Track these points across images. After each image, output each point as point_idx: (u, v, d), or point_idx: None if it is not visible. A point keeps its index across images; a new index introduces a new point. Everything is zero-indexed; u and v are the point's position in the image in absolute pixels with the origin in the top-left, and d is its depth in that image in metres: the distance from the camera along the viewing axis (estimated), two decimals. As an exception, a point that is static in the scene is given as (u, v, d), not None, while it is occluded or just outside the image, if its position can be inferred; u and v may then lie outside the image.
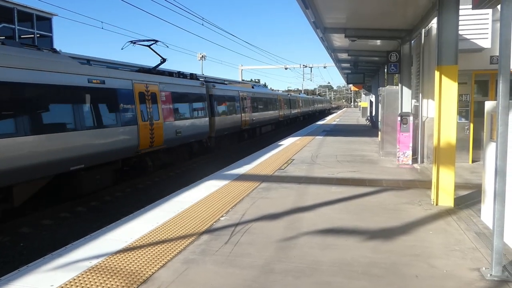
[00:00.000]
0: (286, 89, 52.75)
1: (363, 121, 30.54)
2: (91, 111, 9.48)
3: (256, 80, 74.00)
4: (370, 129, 23.55)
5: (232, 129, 19.02)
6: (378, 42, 14.77)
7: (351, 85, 40.96)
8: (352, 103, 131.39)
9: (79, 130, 8.95)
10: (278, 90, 31.20)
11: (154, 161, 12.67)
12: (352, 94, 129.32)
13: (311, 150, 13.68)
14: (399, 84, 11.80)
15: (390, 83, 16.43)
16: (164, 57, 18.53)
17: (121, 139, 10.64)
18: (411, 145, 10.54)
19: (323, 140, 17.40)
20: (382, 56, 17.00)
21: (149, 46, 13.94)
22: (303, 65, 46.52)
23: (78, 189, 9.29)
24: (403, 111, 11.35)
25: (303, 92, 75.78)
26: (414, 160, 10.73)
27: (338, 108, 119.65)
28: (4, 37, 16.42)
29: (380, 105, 12.28)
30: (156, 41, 13.85)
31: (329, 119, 37.12)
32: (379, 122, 12.49)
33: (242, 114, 20.81)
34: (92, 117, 9.45)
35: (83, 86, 9.25)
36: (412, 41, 12.14)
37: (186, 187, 8.10)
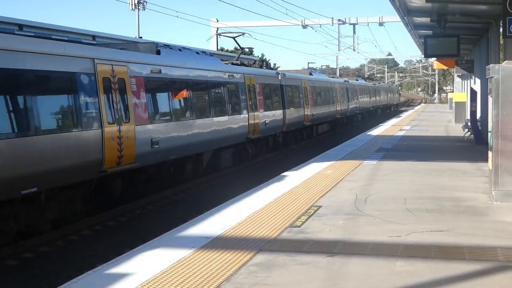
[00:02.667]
0: (307, 68, 53.18)
1: (458, 129, 30.77)
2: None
3: (248, 51, 75.11)
4: (472, 145, 23.78)
5: (298, 125, 31.32)
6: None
7: (433, 59, 41.48)
8: (436, 94, 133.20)
9: None
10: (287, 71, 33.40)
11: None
12: (436, 76, 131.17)
13: (354, 188, 13.85)
14: (528, 58, 11.89)
15: (510, 57, 16.55)
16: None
17: None
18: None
19: (378, 167, 17.64)
20: (494, 3, 17.20)
21: (234, 38, 27.05)
22: (339, 21, 47.19)
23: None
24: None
25: (338, 74, 77.17)
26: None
27: (408, 103, 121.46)
28: None
29: (490, 99, 12.33)
30: (243, 33, 25.86)
31: (392, 126, 37.64)
32: (489, 133, 12.52)
33: (305, 108, 32.51)
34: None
35: None
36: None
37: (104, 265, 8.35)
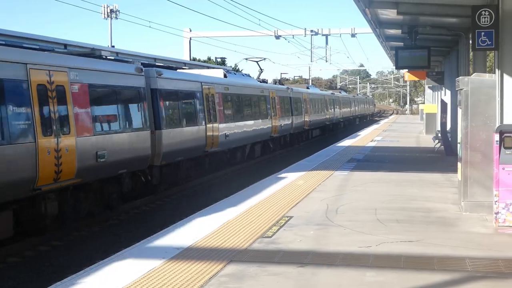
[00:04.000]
0: (279, 80, 53.52)
1: (429, 140, 31.07)
2: None
3: (221, 61, 75.32)
4: (442, 156, 24.02)
5: (300, 128, 39.74)
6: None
7: (404, 71, 41.83)
8: (407, 105, 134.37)
9: None
10: (264, 81, 35.92)
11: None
12: (408, 88, 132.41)
13: (325, 198, 13.90)
14: (497, 71, 12.04)
15: (479, 69, 16.79)
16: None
17: None
18: (520, 189, 10.71)
19: (349, 177, 17.73)
20: (464, 16, 17.46)
21: (257, 62, 36.88)
22: (312, 31, 47.43)
23: None
24: (505, 123, 11.55)
25: (311, 83, 78.16)
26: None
27: (380, 114, 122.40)
28: None
29: (460, 111, 12.48)
30: (264, 58, 36.99)
31: (364, 136, 37.96)
32: (458, 145, 12.67)
33: (305, 115, 41.04)
34: None
35: None
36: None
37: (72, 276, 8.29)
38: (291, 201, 13.58)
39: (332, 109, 53.36)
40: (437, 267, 8.31)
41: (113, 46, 32.50)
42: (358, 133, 42.74)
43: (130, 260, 8.74)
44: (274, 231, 10.52)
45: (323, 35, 47.94)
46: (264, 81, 35.45)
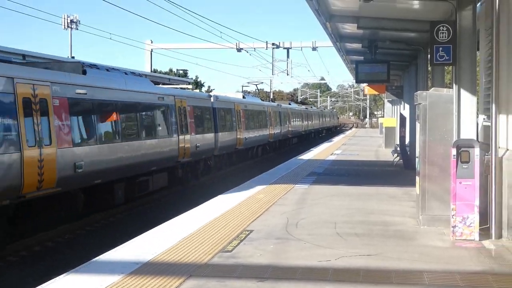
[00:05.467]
0: (241, 91, 53.63)
1: (388, 154, 31.41)
2: None
3: (182, 73, 75.20)
4: (401, 170, 24.31)
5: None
6: (416, 3, 15.42)
7: (364, 84, 42.25)
8: (367, 119, 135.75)
9: None
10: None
11: None
12: (368, 101, 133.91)
13: (285, 212, 13.92)
14: (454, 86, 12.27)
15: (437, 84, 17.09)
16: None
17: None
18: (477, 203, 10.89)
19: (309, 191, 17.80)
20: (423, 31, 17.75)
21: (256, 85, 54.59)
22: (273, 45, 47.70)
23: None
24: (462, 137, 11.75)
25: (272, 97, 78.30)
26: (483, 232, 11.05)
27: (340, 127, 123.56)
28: None
29: (418, 125, 12.65)
30: (262, 82, 64.54)
31: (323, 150, 38.22)
32: (417, 159, 12.82)
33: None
34: None
35: None
36: (479, 3, 12.74)
37: None
38: (251, 214, 13.58)
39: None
40: (395, 280, 8.39)
41: (73, 57, 32.16)
42: (319, 146, 42.97)
43: (86, 276, 8.63)
44: (234, 245, 10.49)
45: (284, 48, 48.16)
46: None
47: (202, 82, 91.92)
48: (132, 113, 20.01)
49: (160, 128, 22.10)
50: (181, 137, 23.74)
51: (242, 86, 58.97)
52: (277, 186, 18.79)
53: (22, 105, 13.81)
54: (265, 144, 42.95)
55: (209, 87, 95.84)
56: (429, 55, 13.97)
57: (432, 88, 13.58)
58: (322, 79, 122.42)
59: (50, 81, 15.19)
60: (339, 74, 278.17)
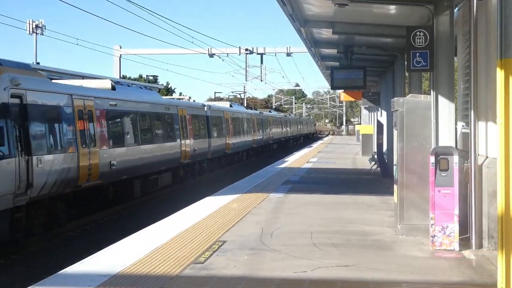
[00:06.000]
0: (213, 98, 53.71)
1: (365, 161, 31.55)
2: None
3: (152, 79, 74.95)
4: (379, 178, 24.43)
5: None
6: (392, 8, 15.50)
7: (340, 91, 42.42)
8: (343, 126, 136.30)
9: None
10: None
11: None
12: (344, 108, 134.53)
13: (260, 222, 13.90)
14: (432, 92, 12.33)
15: (414, 90, 17.17)
16: None
17: None
18: (457, 212, 10.92)
19: (284, 200, 17.80)
20: (399, 37, 17.83)
21: (239, 94, 77.82)
22: (246, 50, 47.77)
23: None
24: (441, 144, 11.80)
25: (245, 104, 79.12)
26: (464, 242, 11.08)
27: (316, 134, 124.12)
28: None
29: (395, 132, 12.69)
30: (245, 92, 79.85)
31: (300, 158, 38.31)
32: (394, 166, 12.86)
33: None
34: None
35: None
36: (456, 9, 12.83)
37: None
38: (225, 224, 13.52)
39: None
40: (373, 292, 8.37)
41: (38, 63, 31.87)
42: (293, 155, 43.07)
43: (53, 289, 8.50)
44: (207, 256, 10.42)
45: (258, 53, 48.25)
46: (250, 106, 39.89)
47: (173, 88, 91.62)
48: (147, 121, 25.10)
49: (168, 134, 27.41)
50: (182, 141, 28.93)
51: (215, 93, 58.85)
52: (252, 195, 18.75)
53: (77, 115, 18.74)
54: (249, 149, 47.90)
55: (180, 93, 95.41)
56: (406, 61, 14.02)
57: (410, 95, 13.64)
58: (297, 85, 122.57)
59: (94, 96, 20.16)
60: (314, 80, 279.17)
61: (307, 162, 33.66)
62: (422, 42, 12.54)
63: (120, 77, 45.33)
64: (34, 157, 15.83)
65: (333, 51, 23.93)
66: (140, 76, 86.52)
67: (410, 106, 12.28)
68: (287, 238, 12.04)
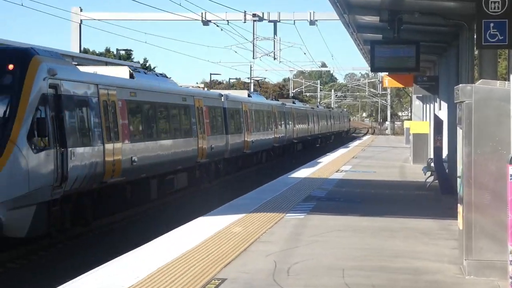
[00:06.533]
0: (209, 82, 53.70)
1: (418, 172, 31.45)
2: None
3: (125, 54, 75.14)
4: (436, 195, 24.41)
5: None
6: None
7: (383, 74, 42.08)
8: (387, 122, 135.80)
9: None
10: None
11: None
12: (388, 98, 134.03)
13: (272, 253, 13.92)
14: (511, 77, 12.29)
15: (487, 75, 17.14)
16: None
17: None
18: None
19: (305, 223, 17.81)
20: (466, 0, 17.82)
21: (257, 81, 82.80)
22: (254, 16, 47.72)
23: None
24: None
25: (253, 91, 79.43)
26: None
27: (351, 133, 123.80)
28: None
29: (460, 132, 12.67)
30: (264, 78, 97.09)
31: (328, 164, 38.28)
32: (458, 179, 12.82)
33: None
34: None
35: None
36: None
37: None
38: (224, 255, 13.53)
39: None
40: None
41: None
42: (320, 160, 43.06)
43: None
44: (200, 300, 10.50)
45: (270, 21, 48.34)
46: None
47: (152, 67, 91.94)
48: (165, 113, 29.46)
49: (185, 128, 31.70)
50: (200, 137, 32.91)
51: (211, 75, 58.89)
52: (260, 215, 18.78)
53: (103, 107, 22.51)
54: (269, 149, 52.22)
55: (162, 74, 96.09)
56: (475, 34, 13.98)
57: (480, 81, 13.56)
58: (324, 65, 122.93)
59: (116, 85, 23.99)
60: (347, 59, 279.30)
61: (337, 171, 33.66)
62: (499, 8, 12.53)
63: (80, 51, 45.47)
64: (69, 150, 19.77)
65: (374, 19, 23.90)
66: (108, 50, 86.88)
67: (481, 96, 12.21)
68: (310, 276, 12.04)
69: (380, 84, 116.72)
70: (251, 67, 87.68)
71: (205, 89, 44.77)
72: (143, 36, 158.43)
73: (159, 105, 28.68)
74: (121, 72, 26.25)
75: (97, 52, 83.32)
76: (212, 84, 71.64)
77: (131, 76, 26.44)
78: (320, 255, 13.76)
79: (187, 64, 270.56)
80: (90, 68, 25.28)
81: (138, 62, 77.86)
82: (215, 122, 37.02)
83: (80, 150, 20.58)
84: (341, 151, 54.50)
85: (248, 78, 70.26)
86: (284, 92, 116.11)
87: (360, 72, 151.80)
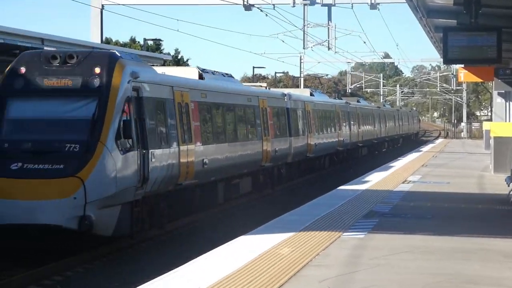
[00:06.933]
0: (251, 77, 53.90)
1: (500, 183, 31.18)
2: None
3: (153, 45, 75.76)
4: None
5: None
6: None
7: (458, 66, 41.72)
8: (463, 124, 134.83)
9: None
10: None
11: None
12: (464, 95, 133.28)
13: (327, 279, 13.87)
14: None
15: None
16: None
17: None
18: None
19: (366, 243, 17.88)
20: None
21: (318, 78, 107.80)
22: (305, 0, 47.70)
23: None
24: None
25: (303, 84, 79.49)
26: None
27: (420, 136, 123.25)
28: None
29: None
30: (327, 74, 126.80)
31: (394, 173, 38.45)
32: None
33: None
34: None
35: None
36: None
37: None
38: (270, 282, 13.52)
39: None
40: None
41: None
42: (385, 168, 42.99)
43: None
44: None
45: (323, 5, 48.41)
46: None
47: (185, 60, 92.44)
48: (232, 115, 33.52)
49: (251, 130, 35.70)
50: (264, 140, 36.83)
51: (253, 68, 59.06)
52: (313, 234, 18.79)
53: (178, 109, 26.30)
54: (333, 153, 55.90)
55: (197, 67, 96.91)
56: None
57: None
58: (387, 56, 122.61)
59: (189, 87, 28.00)
60: (415, 50, 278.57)
61: (404, 182, 33.58)
62: None
63: (101, 41, 45.81)
64: (150, 151, 23.19)
65: (447, 2, 23.86)
66: (133, 40, 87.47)
67: None
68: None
69: (454, 79, 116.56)
70: (301, 59, 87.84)
71: (267, 88, 47.49)
72: (175, 23, 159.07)
73: (227, 106, 32.85)
74: (190, 72, 30.43)
75: (121, 43, 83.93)
76: (255, 79, 71.94)
77: (200, 76, 30.55)
78: (384, 282, 13.71)
79: (226, 55, 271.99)
80: (158, 69, 28.43)
81: (169, 54, 78.43)
82: (279, 123, 41.11)
83: (159, 151, 24.15)
84: (409, 158, 54.42)
85: (285, 72, 70.85)
86: (340, 88, 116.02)
87: (430, 64, 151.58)
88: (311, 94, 52.61)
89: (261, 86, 46.30)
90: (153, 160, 23.36)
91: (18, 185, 21.35)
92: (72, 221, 20.99)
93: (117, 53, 23.45)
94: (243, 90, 37.53)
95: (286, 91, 46.64)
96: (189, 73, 30.07)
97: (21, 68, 22.62)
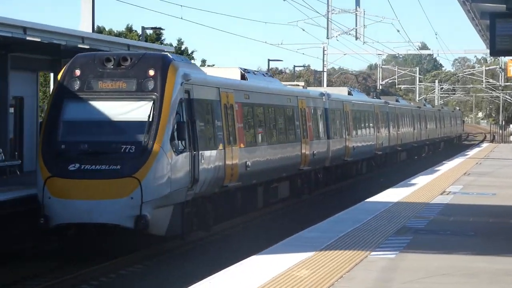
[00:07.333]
0: (267, 71, 54.27)
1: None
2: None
3: (153, 34, 76.13)
4: None
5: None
6: None
7: (507, 59, 41.80)
8: None
9: None
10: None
11: None
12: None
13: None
14: None
15: None
16: None
17: None
18: None
19: (398, 264, 17.91)
20: None
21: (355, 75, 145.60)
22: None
23: None
24: None
25: (325, 83, 79.78)
26: None
27: (462, 140, 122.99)
28: None
29: None
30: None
31: (429, 183, 38.51)
32: None
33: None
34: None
35: None
36: None
37: None
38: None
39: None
40: None
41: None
42: (421, 176, 43.01)
43: None
44: None
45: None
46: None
47: (190, 52, 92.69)
48: (273, 116, 37.79)
49: (290, 131, 40.12)
50: (303, 142, 41.34)
51: (269, 61, 59.32)
52: (335, 254, 18.82)
53: (223, 109, 30.43)
54: (370, 157, 58.31)
55: (203, 61, 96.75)
56: None
57: None
58: (424, 47, 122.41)
59: (233, 88, 32.33)
60: (457, 39, 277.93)
61: (443, 193, 33.60)
62: None
63: (93, 30, 46.03)
64: (199, 153, 27.01)
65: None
66: (130, 29, 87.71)
67: None
68: None
69: (503, 73, 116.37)
70: (324, 50, 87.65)
71: (305, 87, 51.86)
72: (178, 9, 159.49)
73: (269, 107, 37.41)
74: (233, 73, 34.69)
75: (115, 32, 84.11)
76: (271, 74, 72.39)
77: (243, 77, 35.11)
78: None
79: (236, 47, 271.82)
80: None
81: (171, 45, 78.65)
82: (317, 125, 45.90)
83: (207, 153, 28.23)
84: (449, 164, 54.37)
85: (306, 66, 71.57)
86: (369, 84, 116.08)
87: (475, 56, 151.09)
88: (349, 93, 56.26)
89: (298, 85, 51.06)
90: (202, 161, 27.19)
91: (76, 185, 25.11)
92: (129, 220, 24.70)
93: (169, 55, 27.71)
94: (283, 90, 42.04)
95: (323, 90, 49.60)
96: (231, 73, 34.14)
97: (76, 70, 26.55)
